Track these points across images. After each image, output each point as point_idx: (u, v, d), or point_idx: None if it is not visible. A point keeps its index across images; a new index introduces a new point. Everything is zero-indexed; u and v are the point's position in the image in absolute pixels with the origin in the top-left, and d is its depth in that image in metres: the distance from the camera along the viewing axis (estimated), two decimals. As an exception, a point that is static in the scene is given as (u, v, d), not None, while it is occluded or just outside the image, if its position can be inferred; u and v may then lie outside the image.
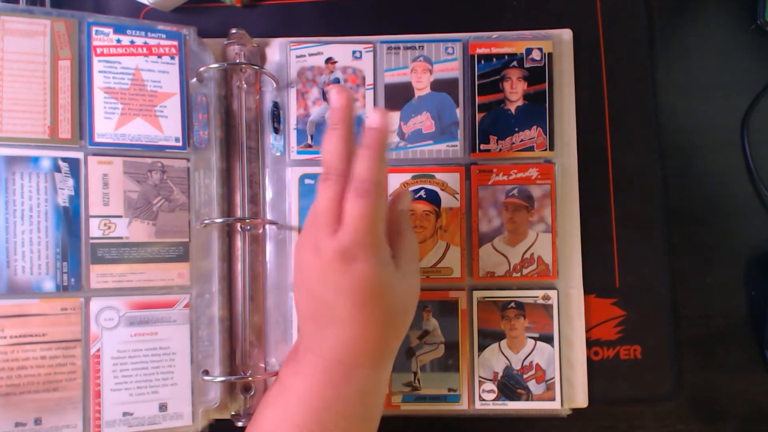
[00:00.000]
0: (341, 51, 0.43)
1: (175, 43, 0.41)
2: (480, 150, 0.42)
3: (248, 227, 0.41)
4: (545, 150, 0.42)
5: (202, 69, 0.41)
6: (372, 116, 0.33)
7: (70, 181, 0.38)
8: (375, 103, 0.43)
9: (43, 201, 0.38)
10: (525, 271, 0.41)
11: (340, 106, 0.32)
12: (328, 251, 0.32)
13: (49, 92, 0.38)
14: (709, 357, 0.43)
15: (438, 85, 0.42)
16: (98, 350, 0.38)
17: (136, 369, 0.38)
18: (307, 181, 0.42)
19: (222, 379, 0.39)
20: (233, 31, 0.42)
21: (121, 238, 0.39)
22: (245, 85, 0.42)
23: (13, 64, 0.37)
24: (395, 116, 0.42)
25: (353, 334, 0.33)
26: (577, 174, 0.43)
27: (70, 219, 0.38)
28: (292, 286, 0.42)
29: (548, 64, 0.42)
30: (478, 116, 0.42)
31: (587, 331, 0.42)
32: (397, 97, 0.42)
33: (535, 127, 0.42)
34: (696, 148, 0.45)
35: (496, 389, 0.41)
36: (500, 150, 0.42)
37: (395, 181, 0.42)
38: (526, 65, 0.42)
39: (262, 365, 0.42)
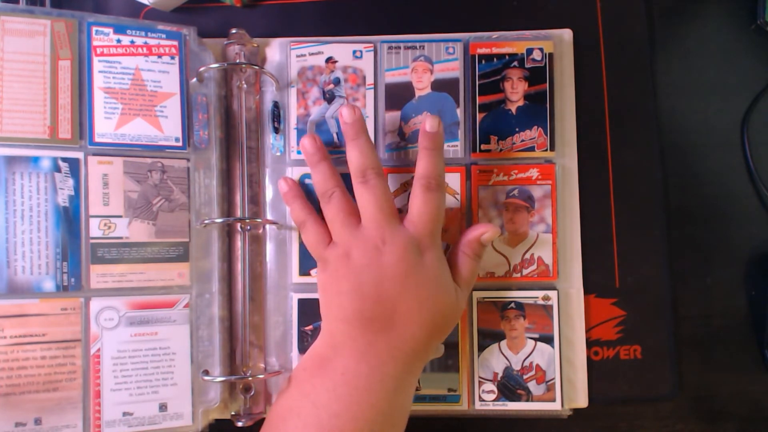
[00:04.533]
0: (342, 50, 0.43)
1: (175, 43, 0.41)
2: (480, 150, 0.42)
3: (248, 227, 0.41)
4: (546, 150, 0.42)
5: (202, 69, 0.41)
6: (428, 121, 0.37)
7: (70, 181, 0.38)
8: (376, 103, 0.43)
9: (43, 201, 0.37)
10: (525, 272, 0.41)
11: (354, 120, 0.37)
12: (398, 243, 0.35)
13: (49, 92, 0.38)
14: (709, 357, 0.43)
15: (438, 85, 0.42)
16: (98, 350, 0.38)
17: (136, 369, 0.38)
18: (308, 181, 0.42)
19: (222, 379, 0.39)
20: (233, 31, 0.42)
21: (121, 238, 0.39)
22: (245, 85, 0.42)
23: (13, 64, 0.37)
24: (396, 116, 0.42)
25: (411, 332, 0.34)
26: (577, 174, 0.43)
27: (70, 219, 0.38)
28: (292, 286, 0.42)
29: (549, 64, 0.42)
30: (479, 116, 0.42)
31: (587, 331, 0.42)
32: (398, 97, 0.42)
33: (535, 127, 0.42)
34: (696, 148, 0.45)
35: (495, 390, 0.41)
36: (501, 150, 0.42)
37: (396, 181, 0.42)
38: (527, 65, 0.42)
39: (262, 365, 0.42)
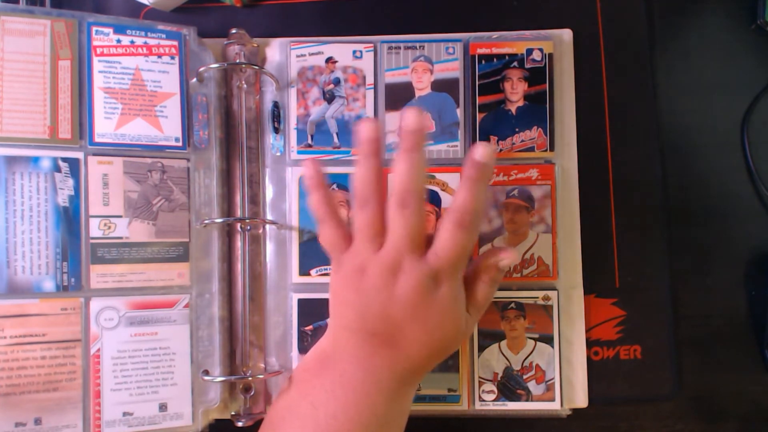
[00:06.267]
0: (342, 50, 0.43)
1: (175, 43, 0.41)
2: (480, 150, 0.42)
3: (248, 227, 0.41)
4: (545, 150, 0.42)
5: (202, 69, 0.41)
6: (480, 149, 0.32)
7: (70, 181, 0.38)
8: (375, 103, 0.43)
9: (43, 201, 0.37)
10: (525, 272, 0.41)
11: (418, 129, 0.32)
12: (415, 275, 0.32)
13: (49, 92, 0.38)
14: (709, 357, 0.43)
15: (438, 85, 0.42)
16: (98, 350, 0.38)
17: (136, 369, 0.38)
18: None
19: (222, 379, 0.39)
20: (233, 31, 0.42)
21: (121, 238, 0.39)
22: (245, 85, 0.42)
23: (13, 64, 0.37)
24: (396, 116, 0.42)
25: (413, 354, 0.34)
26: (577, 174, 0.43)
27: (70, 219, 0.38)
28: (292, 286, 0.42)
29: (549, 64, 0.42)
30: (479, 116, 0.42)
31: (587, 331, 0.42)
32: (398, 97, 0.42)
33: (535, 127, 0.42)
34: (696, 148, 0.45)
35: (495, 390, 0.41)
36: (501, 150, 0.42)
37: (395, 181, 0.42)
38: (527, 66, 0.42)
39: (262, 365, 0.42)
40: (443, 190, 0.42)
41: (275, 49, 0.43)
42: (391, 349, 0.34)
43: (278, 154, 0.43)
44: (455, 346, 0.36)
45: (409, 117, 0.32)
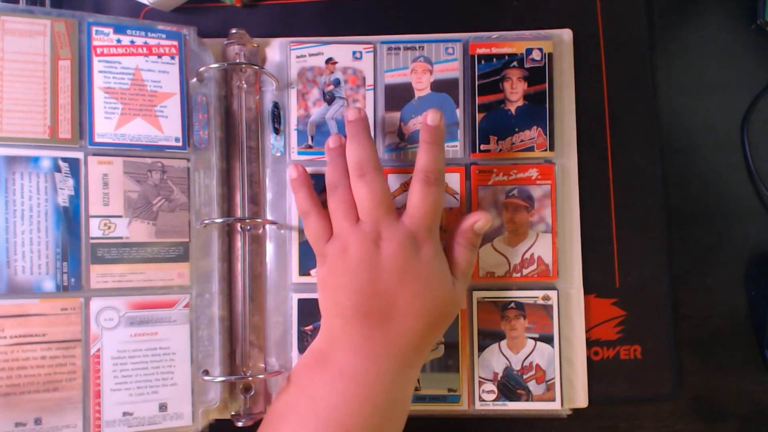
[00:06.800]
0: (341, 51, 0.43)
1: (175, 43, 0.41)
2: (480, 150, 0.42)
3: (248, 227, 0.41)
4: (545, 150, 0.42)
5: (202, 69, 0.41)
6: (429, 115, 0.37)
7: (70, 181, 0.38)
8: (375, 104, 0.43)
9: (43, 201, 0.38)
10: (525, 272, 0.41)
11: (357, 118, 0.38)
12: (395, 238, 0.35)
13: (49, 92, 0.38)
14: (709, 357, 0.43)
15: (438, 86, 0.42)
16: (98, 350, 0.38)
17: (136, 369, 0.38)
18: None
19: (222, 379, 0.39)
20: (233, 31, 0.42)
21: (121, 238, 0.39)
22: (245, 85, 0.42)
23: (13, 64, 0.37)
24: (396, 116, 0.42)
25: (409, 326, 0.34)
26: (577, 174, 0.43)
27: (70, 219, 0.38)
28: (292, 286, 0.42)
29: (548, 64, 0.42)
30: (478, 116, 0.42)
31: (587, 331, 0.42)
32: (398, 97, 0.42)
33: (535, 127, 0.42)
34: (696, 148, 0.45)
35: (495, 390, 0.41)
36: (500, 150, 0.42)
37: (396, 181, 0.42)
38: (527, 65, 0.42)
39: (262, 365, 0.42)
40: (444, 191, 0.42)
41: (275, 49, 0.43)
42: (387, 326, 0.34)
43: (278, 154, 0.43)
44: (449, 315, 0.37)
45: (348, 113, 0.38)
